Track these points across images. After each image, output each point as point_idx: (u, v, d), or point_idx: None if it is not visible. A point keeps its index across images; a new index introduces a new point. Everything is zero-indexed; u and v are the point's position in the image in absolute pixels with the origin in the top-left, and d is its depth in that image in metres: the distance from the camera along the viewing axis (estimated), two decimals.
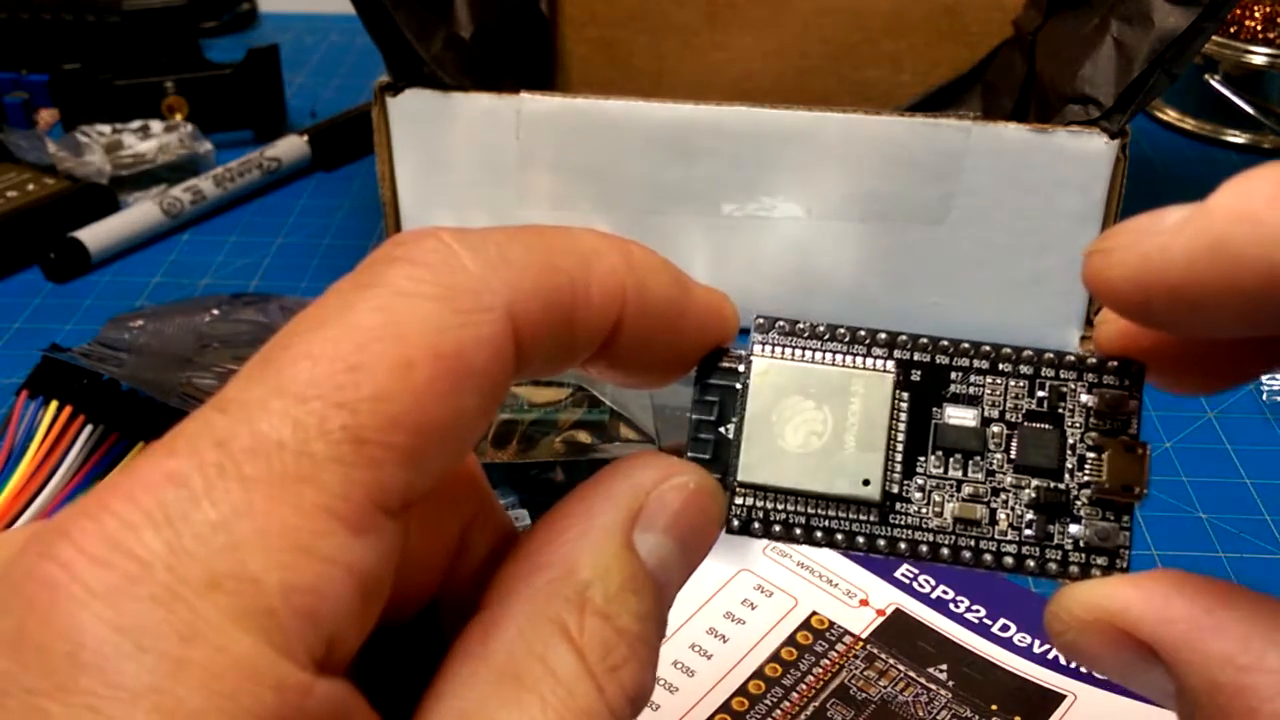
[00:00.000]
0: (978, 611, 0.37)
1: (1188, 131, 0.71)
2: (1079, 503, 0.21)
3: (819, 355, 0.22)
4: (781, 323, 0.22)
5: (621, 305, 0.19)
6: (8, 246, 0.58)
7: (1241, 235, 0.17)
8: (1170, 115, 0.72)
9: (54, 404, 0.41)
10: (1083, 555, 0.21)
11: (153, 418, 0.42)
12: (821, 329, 0.22)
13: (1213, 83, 0.68)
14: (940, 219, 0.49)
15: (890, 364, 0.22)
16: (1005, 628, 0.36)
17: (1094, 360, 0.22)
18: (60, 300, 0.56)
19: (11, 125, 0.68)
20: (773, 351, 0.22)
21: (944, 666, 0.35)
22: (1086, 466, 0.21)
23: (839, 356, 0.22)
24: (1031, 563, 0.21)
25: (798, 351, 0.22)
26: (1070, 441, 0.21)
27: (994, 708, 0.34)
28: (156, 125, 0.65)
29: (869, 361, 0.22)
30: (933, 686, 0.35)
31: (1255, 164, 0.17)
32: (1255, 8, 0.68)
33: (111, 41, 0.69)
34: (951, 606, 0.37)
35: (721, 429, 0.21)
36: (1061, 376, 0.22)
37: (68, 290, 0.57)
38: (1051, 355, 0.22)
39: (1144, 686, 0.20)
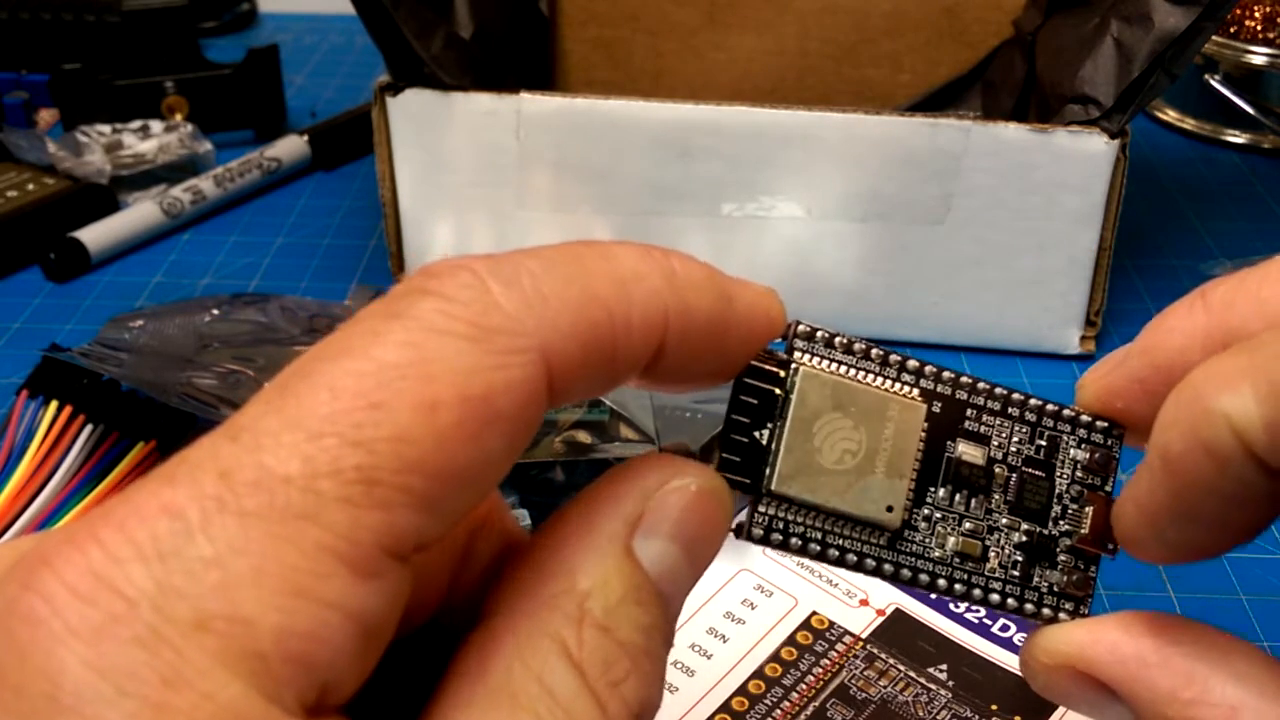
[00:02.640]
0: (978, 611, 0.37)
1: (1188, 131, 0.71)
2: (1059, 549, 0.22)
3: (856, 373, 0.21)
4: (822, 333, 0.21)
5: (664, 331, 0.19)
6: (8, 246, 0.58)
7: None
8: (1170, 115, 0.72)
9: (54, 404, 0.41)
10: (1054, 599, 0.22)
11: (153, 418, 0.42)
12: (858, 346, 0.22)
13: (1213, 83, 0.68)
14: (940, 219, 0.49)
15: (918, 392, 0.22)
16: (1005, 628, 0.36)
17: (1087, 418, 0.23)
18: (60, 300, 0.56)
19: (11, 125, 0.68)
20: (815, 363, 0.21)
21: (944, 666, 0.35)
22: (1069, 515, 0.22)
23: (874, 378, 0.22)
24: (1012, 601, 0.22)
25: (838, 366, 0.21)
26: (1058, 490, 0.22)
27: (994, 708, 0.34)
28: (156, 125, 0.65)
29: (902, 387, 0.22)
30: (933, 686, 0.35)
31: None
32: (1255, 8, 0.68)
33: (111, 41, 0.69)
34: (951, 606, 0.37)
35: (756, 433, 0.21)
36: (1058, 428, 0.23)
37: (68, 290, 0.57)
38: (1053, 407, 0.23)
39: None
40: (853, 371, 0.21)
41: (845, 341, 0.21)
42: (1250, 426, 0.17)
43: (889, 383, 0.22)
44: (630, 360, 0.18)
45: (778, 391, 0.21)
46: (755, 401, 0.21)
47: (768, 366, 0.21)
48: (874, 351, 0.22)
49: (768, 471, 0.21)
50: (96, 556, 0.15)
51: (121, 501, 0.15)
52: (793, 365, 0.21)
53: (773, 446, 0.21)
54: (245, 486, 0.15)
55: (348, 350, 0.16)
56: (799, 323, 0.21)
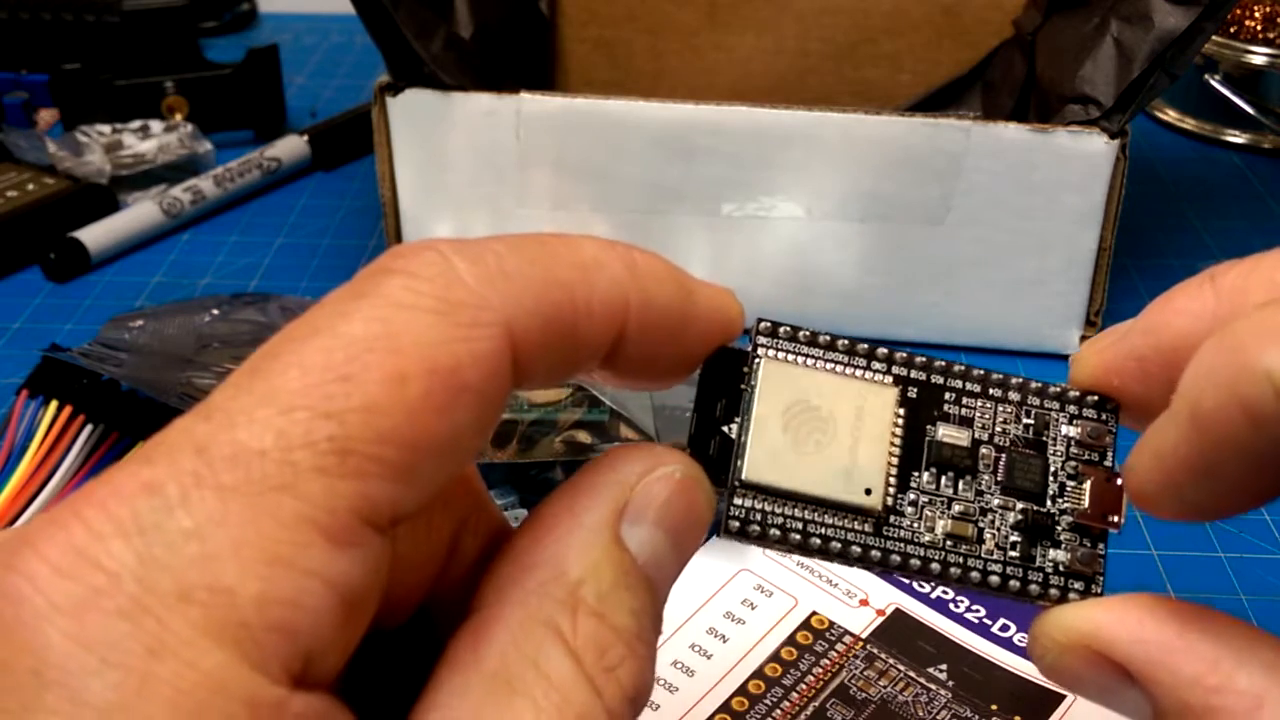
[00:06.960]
0: (978, 611, 0.37)
1: (1188, 131, 0.71)
2: (1059, 527, 0.22)
3: (823, 364, 0.22)
4: (785, 328, 0.22)
5: (624, 317, 0.19)
6: (8, 246, 0.58)
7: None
8: (1170, 115, 0.72)
9: (54, 404, 0.41)
10: (1061, 579, 0.22)
11: (153, 418, 0.42)
12: (824, 338, 0.22)
13: (1213, 83, 0.68)
14: (940, 219, 0.49)
15: (889, 378, 0.22)
16: (1005, 628, 0.36)
17: (1076, 393, 0.22)
18: (60, 300, 0.56)
19: (11, 125, 0.68)
20: (778, 356, 0.22)
21: (944, 666, 0.35)
22: (1067, 493, 0.22)
23: (842, 367, 0.22)
24: (1015, 583, 0.22)
25: (801, 358, 0.22)
26: (1053, 468, 0.22)
27: (994, 708, 0.34)
28: (156, 125, 0.65)
29: (872, 374, 0.22)
30: (933, 686, 0.35)
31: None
32: (1255, 8, 0.68)
33: (111, 41, 0.69)
34: (951, 606, 0.37)
35: (725, 428, 0.21)
36: (1046, 406, 0.22)
37: (68, 290, 0.57)
38: (1038, 385, 0.22)
39: (1124, 708, 0.21)
40: (819, 362, 0.22)
41: (810, 335, 0.22)
42: None
43: (858, 370, 0.22)
44: (592, 344, 0.19)
45: (742, 386, 0.21)
46: (719, 397, 0.21)
47: (728, 362, 0.21)
48: (840, 342, 0.22)
49: (738, 463, 0.21)
50: (78, 533, 0.15)
51: (102, 482, 0.15)
52: (755, 359, 0.21)
53: (741, 439, 0.21)
54: (221, 461, 0.15)
55: (316, 329, 0.17)
56: (761, 319, 0.22)
